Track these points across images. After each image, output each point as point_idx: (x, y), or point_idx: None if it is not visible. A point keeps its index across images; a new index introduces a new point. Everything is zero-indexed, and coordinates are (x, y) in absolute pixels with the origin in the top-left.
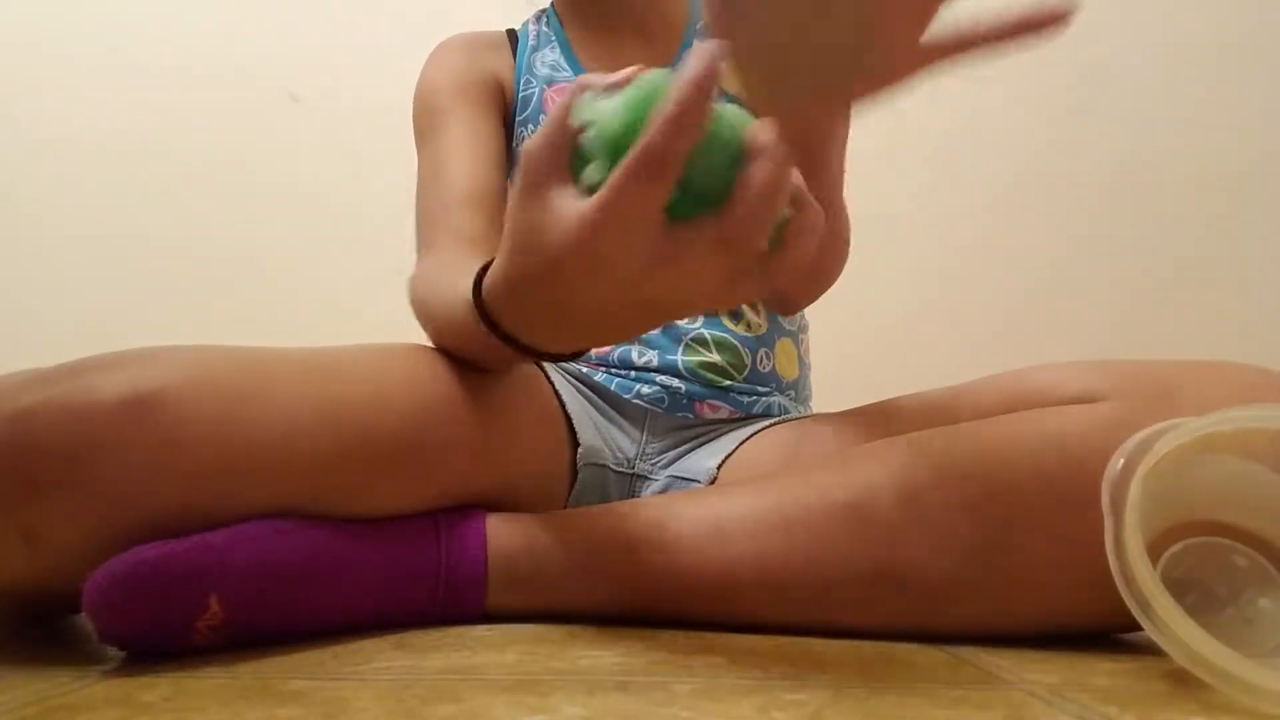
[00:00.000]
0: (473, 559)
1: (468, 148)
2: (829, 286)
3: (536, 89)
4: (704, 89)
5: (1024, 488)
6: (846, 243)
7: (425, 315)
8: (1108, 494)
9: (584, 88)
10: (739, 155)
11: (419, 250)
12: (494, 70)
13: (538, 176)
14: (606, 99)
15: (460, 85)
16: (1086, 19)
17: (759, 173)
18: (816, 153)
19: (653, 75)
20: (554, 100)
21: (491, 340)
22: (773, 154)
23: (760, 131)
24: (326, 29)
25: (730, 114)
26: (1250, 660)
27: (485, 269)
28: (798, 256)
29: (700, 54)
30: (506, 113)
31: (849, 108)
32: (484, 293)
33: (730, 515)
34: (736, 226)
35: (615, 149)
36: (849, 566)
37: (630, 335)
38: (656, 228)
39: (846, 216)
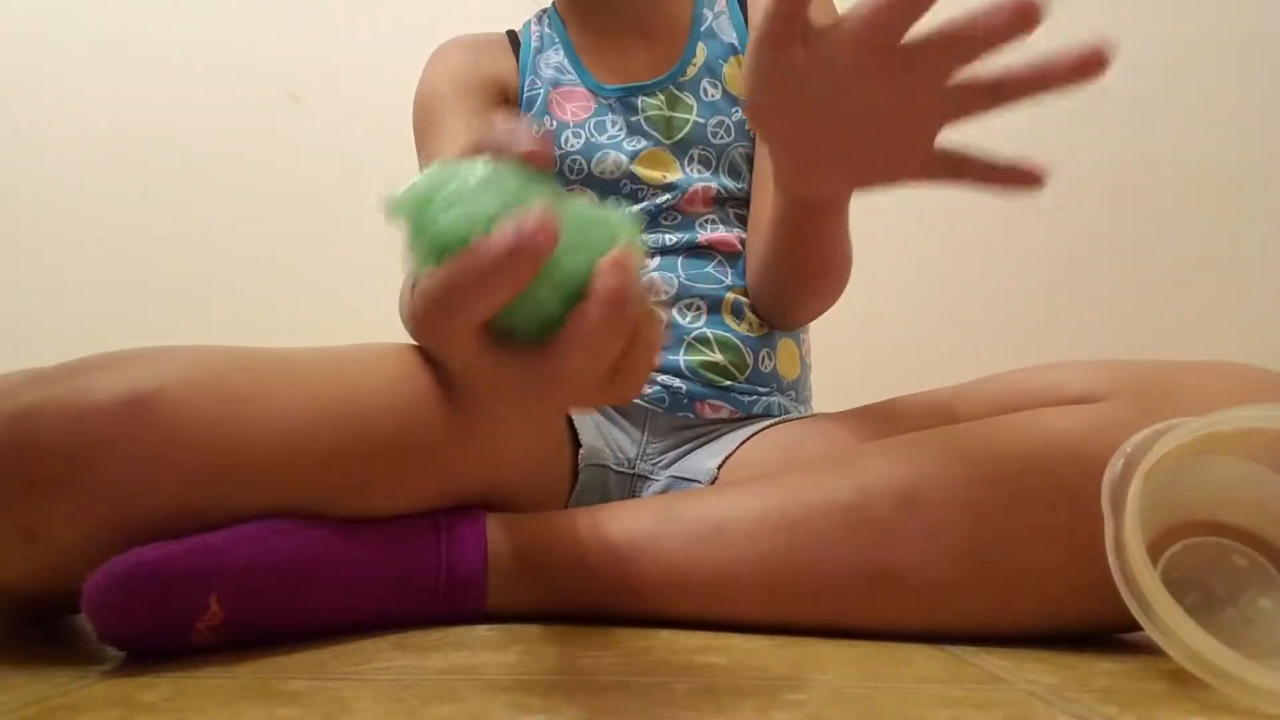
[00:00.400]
0: (472, 559)
1: (463, 147)
2: (826, 309)
3: (542, 90)
4: (523, 262)
5: (1024, 488)
6: (847, 271)
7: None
8: (1108, 494)
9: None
10: (571, 291)
11: None
12: (496, 73)
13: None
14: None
15: (460, 87)
16: (1086, 19)
17: (591, 319)
18: (827, 223)
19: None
20: (558, 103)
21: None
22: (607, 298)
23: (603, 273)
24: (326, 29)
25: (573, 238)
26: (1250, 660)
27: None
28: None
29: (524, 227)
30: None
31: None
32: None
33: (730, 516)
34: (555, 368)
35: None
36: (849, 566)
37: None
38: (473, 345)
39: (850, 250)
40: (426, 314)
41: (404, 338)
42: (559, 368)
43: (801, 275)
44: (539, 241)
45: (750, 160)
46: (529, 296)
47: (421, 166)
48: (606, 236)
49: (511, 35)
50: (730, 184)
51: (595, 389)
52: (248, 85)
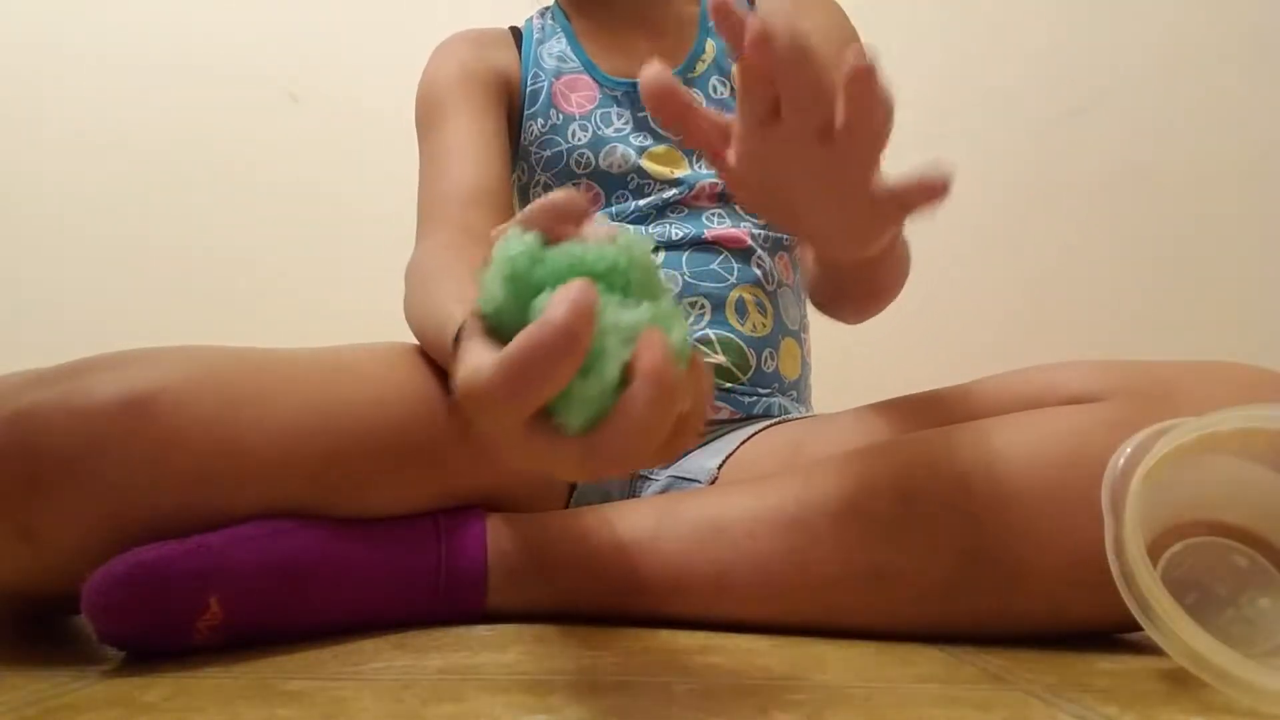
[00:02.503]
0: (473, 559)
1: (469, 141)
2: (888, 305)
3: (545, 82)
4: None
5: (1024, 488)
6: (904, 278)
7: (412, 313)
8: (1108, 494)
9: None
10: (618, 380)
11: (417, 241)
12: (499, 66)
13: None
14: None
15: (465, 79)
16: (1086, 19)
17: (639, 401)
18: (866, 268)
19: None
20: (563, 95)
21: None
22: (656, 380)
23: (645, 352)
24: (326, 29)
25: (623, 325)
26: (1250, 660)
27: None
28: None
29: (564, 305)
30: (513, 108)
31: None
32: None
33: (730, 515)
34: (606, 448)
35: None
36: (848, 566)
37: None
38: (521, 424)
39: (902, 260)
40: (480, 400)
41: (402, 338)
42: (616, 450)
43: (858, 299)
44: (578, 317)
45: None
46: (571, 392)
47: (423, 156)
48: (638, 320)
49: (514, 31)
50: None
51: (653, 455)
52: (248, 85)
